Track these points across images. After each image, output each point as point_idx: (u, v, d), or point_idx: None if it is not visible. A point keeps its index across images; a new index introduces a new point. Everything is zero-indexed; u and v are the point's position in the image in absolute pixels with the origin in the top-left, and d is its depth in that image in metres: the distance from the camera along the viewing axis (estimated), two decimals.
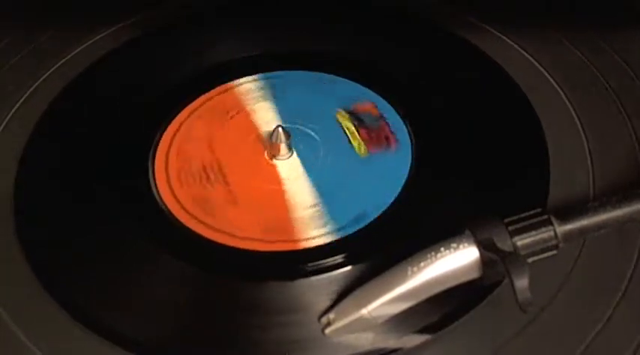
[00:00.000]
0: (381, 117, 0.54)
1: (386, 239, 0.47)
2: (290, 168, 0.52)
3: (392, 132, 0.53)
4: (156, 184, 0.51)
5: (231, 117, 0.55)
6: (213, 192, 0.50)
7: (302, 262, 0.46)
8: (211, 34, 0.62)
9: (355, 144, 0.53)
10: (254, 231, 0.48)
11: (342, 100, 0.56)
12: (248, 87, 0.57)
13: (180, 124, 0.55)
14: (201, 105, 0.56)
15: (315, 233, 0.48)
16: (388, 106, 0.55)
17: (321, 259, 0.46)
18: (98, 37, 0.62)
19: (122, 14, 0.64)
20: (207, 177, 0.51)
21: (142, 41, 0.62)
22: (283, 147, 0.52)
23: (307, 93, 0.57)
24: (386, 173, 0.51)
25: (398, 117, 0.54)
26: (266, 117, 0.55)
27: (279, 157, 0.52)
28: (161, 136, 0.54)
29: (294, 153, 0.52)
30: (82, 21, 0.64)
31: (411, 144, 0.52)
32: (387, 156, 0.52)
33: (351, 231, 0.48)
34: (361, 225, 0.48)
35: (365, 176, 0.51)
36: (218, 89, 0.57)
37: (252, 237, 0.48)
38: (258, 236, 0.48)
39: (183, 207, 0.49)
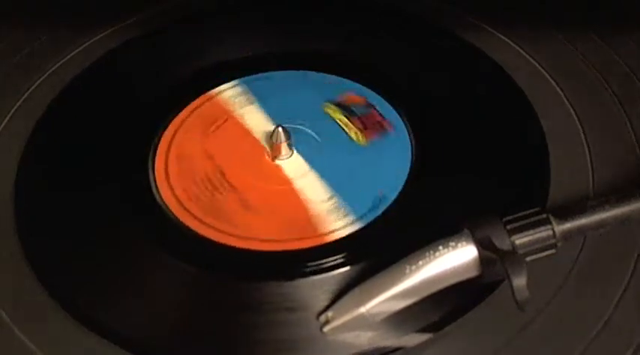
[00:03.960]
0: (369, 105, 0.55)
1: (384, 238, 0.47)
2: (295, 167, 0.52)
3: (383, 117, 0.54)
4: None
5: (222, 123, 0.55)
6: (224, 200, 0.50)
7: (332, 254, 0.46)
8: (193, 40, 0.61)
9: (352, 134, 0.53)
10: (277, 232, 0.48)
11: (326, 94, 0.56)
12: (229, 93, 0.57)
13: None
14: (192, 112, 0.56)
15: (339, 224, 0.48)
16: (378, 97, 0.55)
17: (351, 249, 0.46)
18: (98, 37, 0.62)
19: (122, 14, 0.64)
20: (214, 187, 0.51)
21: (141, 41, 0.62)
22: (284, 147, 0.52)
23: (289, 92, 0.57)
24: (390, 155, 0.51)
25: (387, 103, 0.55)
26: (256, 120, 0.55)
27: (281, 157, 0.52)
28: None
29: (295, 152, 0.52)
30: (81, 21, 0.64)
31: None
32: (387, 139, 0.52)
33: (373, 216, 0.48)
34: (382, 209, 0.48)
35: (370, 162, 0.51)
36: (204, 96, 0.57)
37: (276, 239, 0.47)
38: (283, 236, 0.48)
39: (199, 219, 0.49)
